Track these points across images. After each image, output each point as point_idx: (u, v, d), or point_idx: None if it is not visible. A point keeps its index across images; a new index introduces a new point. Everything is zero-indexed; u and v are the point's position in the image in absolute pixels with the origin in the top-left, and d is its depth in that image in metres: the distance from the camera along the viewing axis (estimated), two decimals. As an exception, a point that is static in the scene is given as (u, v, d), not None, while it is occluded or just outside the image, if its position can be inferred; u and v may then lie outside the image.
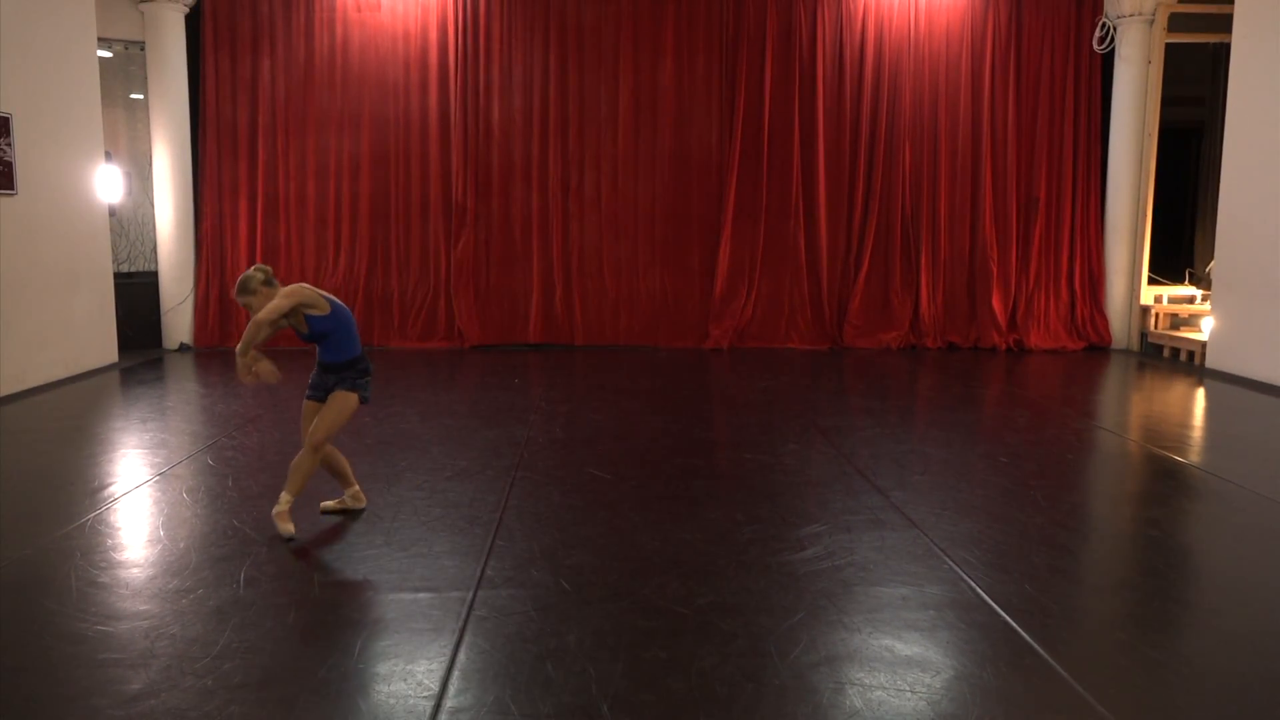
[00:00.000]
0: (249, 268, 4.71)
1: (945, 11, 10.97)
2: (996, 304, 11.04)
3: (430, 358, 10.27)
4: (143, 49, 10.28)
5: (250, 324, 4.46)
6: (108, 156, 9.44)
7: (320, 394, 4.69)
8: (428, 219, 10.90)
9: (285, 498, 4.52)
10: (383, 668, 3.23)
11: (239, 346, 4.46)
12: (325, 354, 4.66)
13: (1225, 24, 9.69)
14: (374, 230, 10.86)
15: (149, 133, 10.41)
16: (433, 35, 10.71)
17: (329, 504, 4.87)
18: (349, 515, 4.83)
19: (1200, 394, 8.73)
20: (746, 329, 11.07)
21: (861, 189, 11.08)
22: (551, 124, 10.86)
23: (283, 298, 4.48)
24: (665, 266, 11.09)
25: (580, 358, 10.37)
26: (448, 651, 3.33)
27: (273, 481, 5.44)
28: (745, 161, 10.95)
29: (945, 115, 11.05)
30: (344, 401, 4.61)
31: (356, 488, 4.92)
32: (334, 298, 4.65)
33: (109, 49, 10.08)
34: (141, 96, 10.45)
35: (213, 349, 10.63)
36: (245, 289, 4.57)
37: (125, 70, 10.39)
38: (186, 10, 10.33)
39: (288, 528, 4.46)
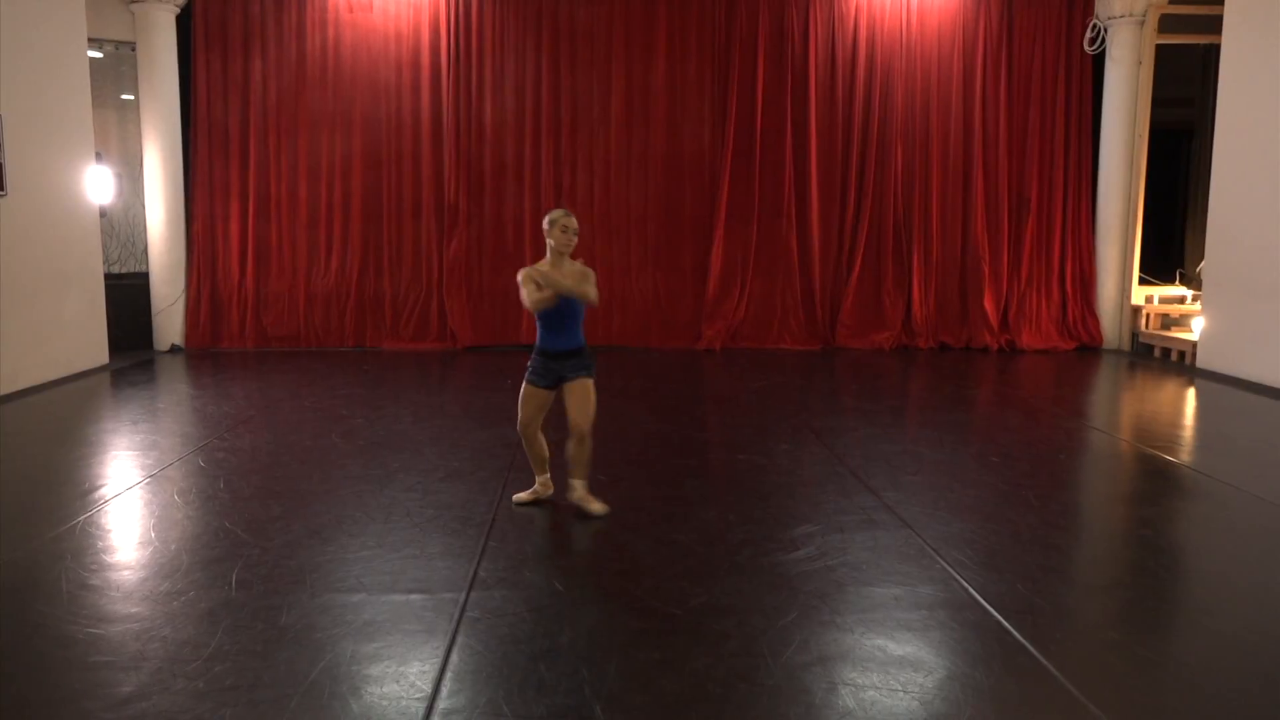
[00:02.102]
0: (556, 210, 4.83)
1: (937, 13, 11.00)
2: (988, 304, 11.07)
3: (422, 359, 10.26)
4: (133, 49, 10.25)
5: (575, 291, 4.64)
6: (98, 157, 9.41)
7: (547, 381, 4.81)
8: (420, 220, 10.88)
9: (579, 484, 4.86)
10: (375, 669, 3.22)
11: (565, 289, 4.60)
12: (564, 340, 4.78)
13: (1215, 25, 9.73)
14: (366, 231, 10.84)
15: (140, 133, 10.38)
16: (425, 36, 10.70)
17: (522, 496, 5.02)
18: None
19: (1191, 394, 8.76)
20: (739, 329, 11.08)
21: (854, 190, 11.09)
22: (544, 125, 10.85)
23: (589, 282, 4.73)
24: (658, 267, 11.09)
25: (573, 358, 10.34)
26: (440, 653, 3.32)
27: (264, 483, 5.43)
28: (737, 162, 10.95)
29: (937, 116, 11.07)
30: (591, 388, 4.84)
31: (548, 475, 5.06)
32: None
33: (99, 49, 10.04)
34: (132, 97, 10.41)
35: (204, 350, 10.59)
36: (573, 226, 4.72)
37: (116, 71, 10.36)
38: (177, 11, 10.31)
39: (597, 506, 4.83)
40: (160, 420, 7.21)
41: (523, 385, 4.89)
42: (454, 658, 3.30)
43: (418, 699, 3.02)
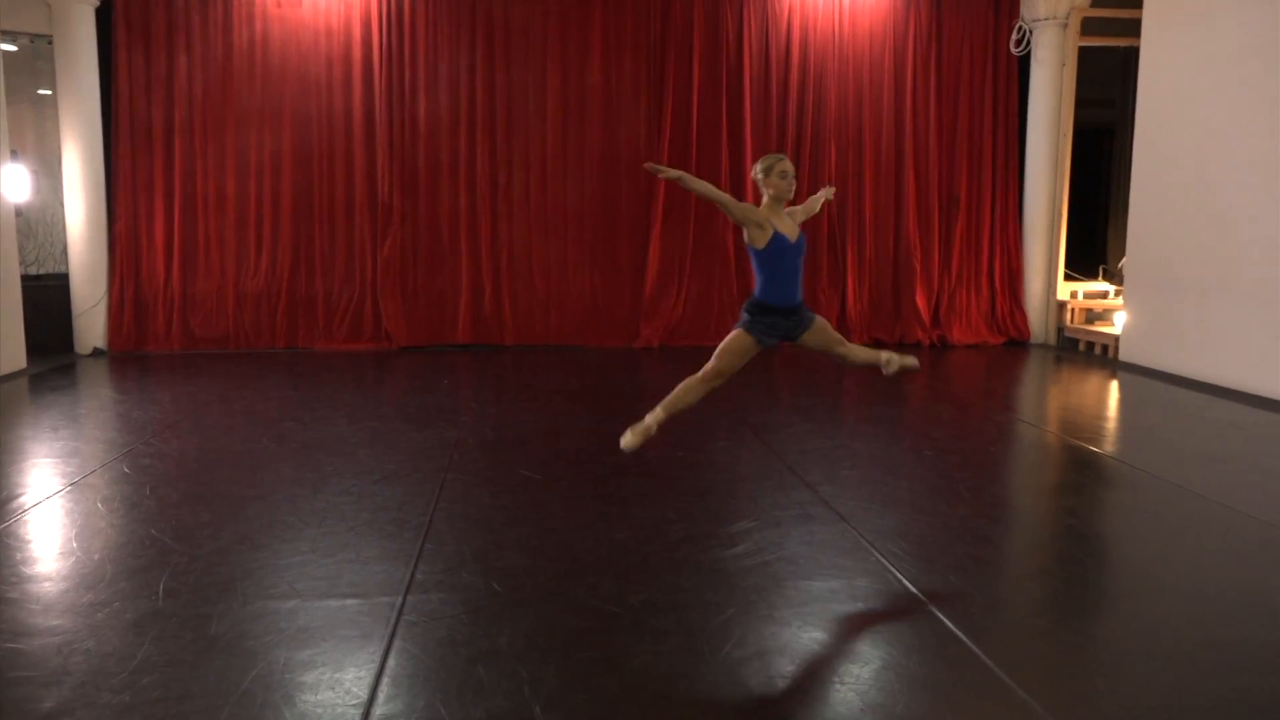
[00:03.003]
0: (769, 156, 4.59)
1: (868, 14, 11.16)
2: (920, 301, 11.27)
3: (357, 360, 10.10)
4: (50, 43, 9.90)
5: (716, 191, 4.45)
6: (14, 155, 9.08)
7: (770, 339, 4.58)
8: (353, 218, 10.70)
9: (887, 355, 4.89)
10: (309, 677, 3.16)
11: (691, 179, 4.39)
12: (795, 291, 4.58)
13: (1134, 29, 10.04)
14: (297, 230, 10.63)
15: (58, 130, 10.03)
16: (356, 31, 10.53)
17: (634, 440, 4.72)
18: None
19: (1114, 386, 9.03)
20: (677, 327, 11.11)
21: (788, 188, 11.19)
22: (479, 122, 10.75)
23: (741, 205, 4.50)
24: (595, 266, 11.06)
25: (510, 358, 10.30)
26: (377, 658, 3.28)
27: (192, 489, 5.30)
28: (674, 161, 10.94)
29: (869, 116, 11.23)
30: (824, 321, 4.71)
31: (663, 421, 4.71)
32: (784, 233, 4.44)
33: (14, 42, 9.69)
34: (50, 92, 10.07)
35: (128, 353, 10.28)
36: (791, 171, 4.53)
37: (31, 65, 10.01)
38: (97, 3, 9.98)
39: (911, 359, 4.91)
40: (82, 426, 6.98)
41: (735, 333, 4.49)
42: (391, 662, 3.26)
43: (354, 705, 2.98)
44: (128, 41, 10.20)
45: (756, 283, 4.59)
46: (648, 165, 4.51)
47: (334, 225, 10.68)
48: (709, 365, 4.61)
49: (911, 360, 4.96)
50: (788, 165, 4.51)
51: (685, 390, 4.70)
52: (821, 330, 4.73)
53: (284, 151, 10.54)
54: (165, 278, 10.47)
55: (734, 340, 4.60)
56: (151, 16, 10.21)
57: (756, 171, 4.57)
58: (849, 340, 4.97)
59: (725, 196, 4.48)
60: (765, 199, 4.56)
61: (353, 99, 10.58)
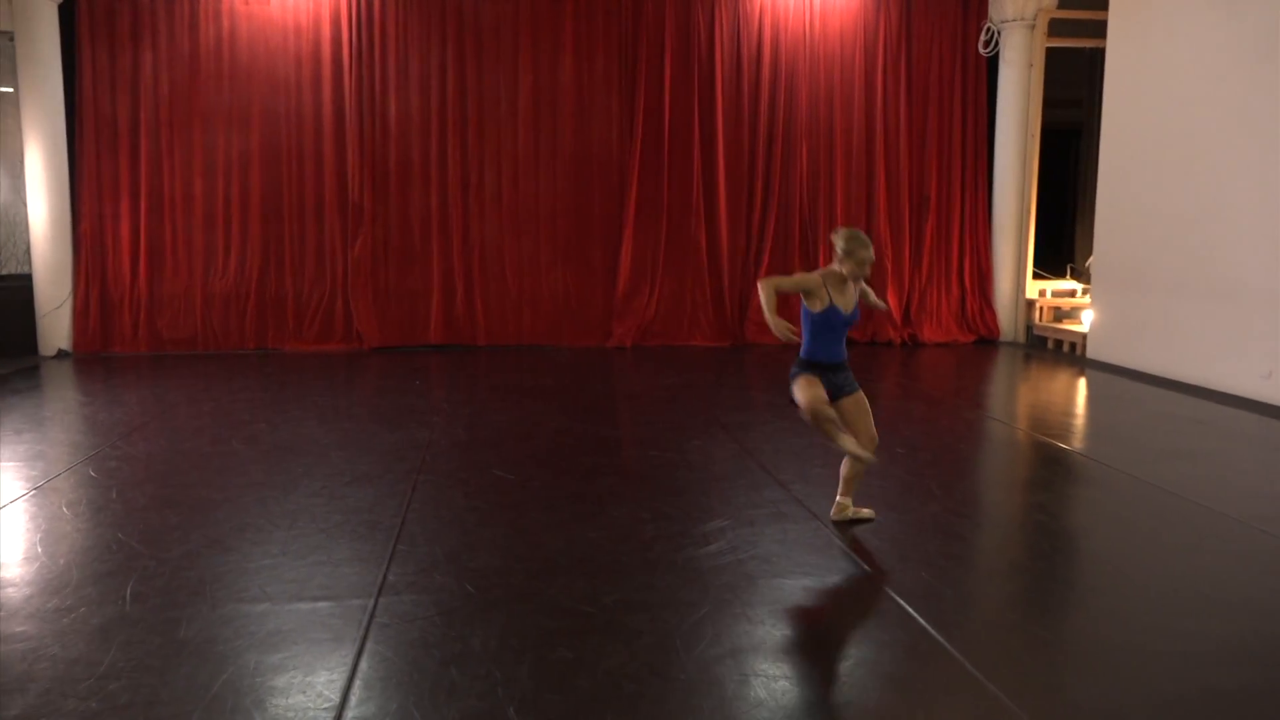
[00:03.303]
0: (852, 239, 4.51)
1: (839, 14, 11.21)
2: (891, 299, 11.33)
3: (328, 360, 10.02)
4: (11, 39, 9.73)
5: (786, 282, 4.62)
6: (-25, 153, 8.93)
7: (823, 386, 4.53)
8: (323, 218, 10.61)
9: (849, 501, 4.76)
10: (280, 680, 3.13)
11: (769, 293, 4.50)
12: (838, 351, 4.58)
13: (1101, 30, 10.17)
14: (266, 230, 10.51)
15: (20, 128, 9.86)
16: (325, 29, 10.44)
17: (850, 503, 4.77)
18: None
19: (1082, 383, 9.14)
20: (649, 327, 11.11)
21: (760, 187, 11.24)
22: (450, 121, 10.70)
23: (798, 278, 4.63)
24: (567, 265, 11.04)
25: (483, 358, 10.26)
26: (349, 661, 3.25)
27: (160, 492, 5.23)
28: (646, 160, 10.98)
29: (840, 116, 11.29)
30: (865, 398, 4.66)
31: (848, 500, 4.77)
32: (839, 305, 4.50)
33: (-27, 39, 9.53)
34: (11, 90, 9.90)
35: (94, 355, 10.13)
36: (870, 259, 4.53)
37: (-7, 62, 9.84)
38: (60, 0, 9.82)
39: (868, 511, 4.77)
40: (47, 429, 6.88)
41: (798, 379, 4.52)
42: (363, 665, 3.23)
43: (325, 709, 2.95)
44: (91, 38, 10.05)
45: (803, 343, 4.61)
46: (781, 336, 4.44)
47: (304, 225, 10.59)
48: (805, 405, 4.49)
49: (869, 511, 4.80)
50: (870, 254, 4.50)
51: (820, 417, 4.49)
52: (861, 410, 4.63)
53: (252, 150, 10.43)
54: (131, 278, 10.32)
55: (802, 381, 4.55)
56: (116, 12, 10.07)
57: (838, 242, 4.53)
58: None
59: (789, 282, 4.62)
60: (834, 268, 4.55)
61: (322, 98, 10.50)
